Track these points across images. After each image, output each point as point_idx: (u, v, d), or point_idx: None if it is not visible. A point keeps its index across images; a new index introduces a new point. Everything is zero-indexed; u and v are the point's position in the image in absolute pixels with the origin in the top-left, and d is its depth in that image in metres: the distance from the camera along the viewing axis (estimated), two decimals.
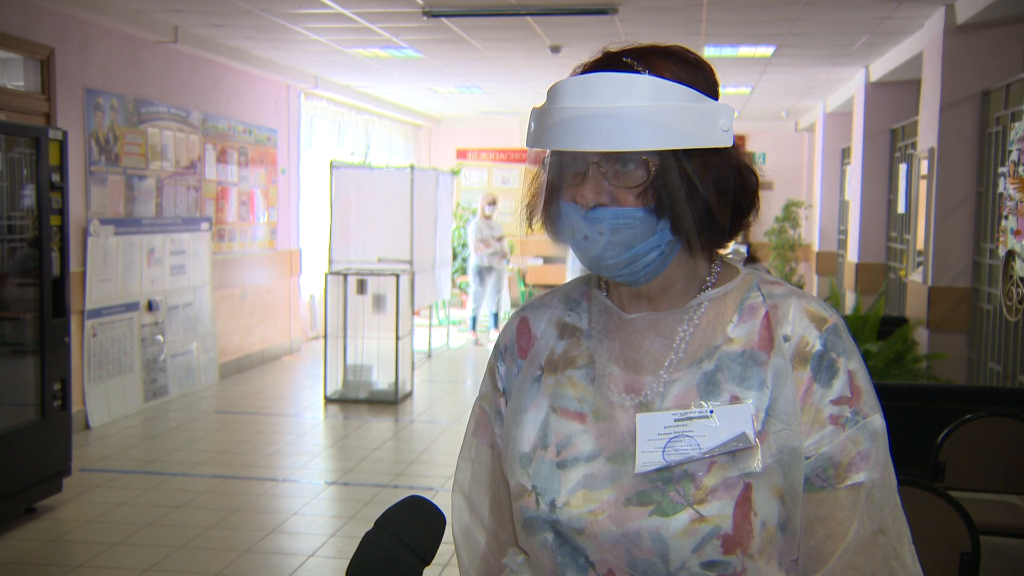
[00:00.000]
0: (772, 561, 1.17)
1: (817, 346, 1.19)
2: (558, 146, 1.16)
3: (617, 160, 1.15)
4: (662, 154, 1.14)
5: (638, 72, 1.15)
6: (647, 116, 1.12)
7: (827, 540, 1.17)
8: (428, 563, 1.23)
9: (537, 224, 1.26)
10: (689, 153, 1.15)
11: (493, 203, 11.61)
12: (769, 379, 1.18)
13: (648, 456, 1.17)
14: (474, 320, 11.53)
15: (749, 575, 1.15)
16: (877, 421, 1.19)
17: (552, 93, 1.18)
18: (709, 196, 1.16)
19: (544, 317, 1.36)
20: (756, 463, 1.15)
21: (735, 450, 1.15)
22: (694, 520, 1.13)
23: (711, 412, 1.17)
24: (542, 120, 1.18)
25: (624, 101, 1.12)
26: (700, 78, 1.19)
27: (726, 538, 1.13)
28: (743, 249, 1.38)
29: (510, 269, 12.73)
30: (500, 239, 11.50)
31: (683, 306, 1.24)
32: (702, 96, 1.16)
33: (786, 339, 1.20)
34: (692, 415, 1.17)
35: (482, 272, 11.48)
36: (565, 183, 1.19)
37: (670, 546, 1.13)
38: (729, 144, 1.17)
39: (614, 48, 1.21)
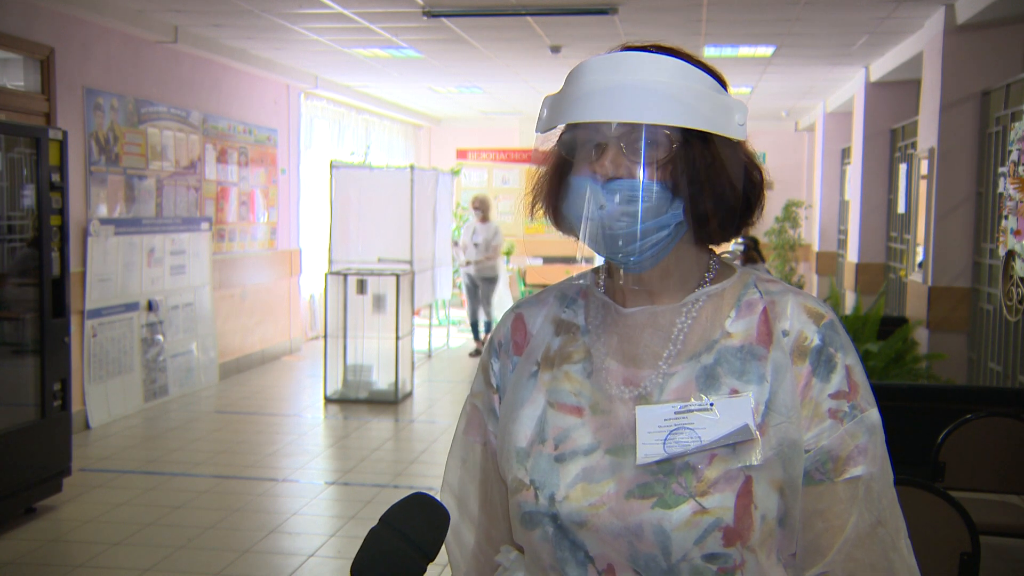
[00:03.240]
0: (771, 555, 1.18)
1: (816, 341, 1.21)
2: (582, 117, 1.16)
3: (638, 135, 1.16)
4: (684, 134, 1.16)
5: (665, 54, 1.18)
6: (675, 93, 1.13)
7: (826, 533, 1.18)
8: (432, 559, 1.24)
9: (539, 213, 1.27)
10: (708, 138, 1.17)
11: (477, 206, 10.45)
12: (768, 373, 1.19)
13: (649, 448, 1.17)
14: (473, 326, 10.81)
15: (748, 567, 1.15)
16: (874, 415, 1.21)
17: (576, 72, 1.18)
18: (723, 184, 1.18)
19: (540, 314, 1.36)
20: (756, 456, 1.15)
21: (736, 442, 1.16)
22: (696, 512, 1.14)
23: (711, 405, 1.18)
24: (559, 101, 1.19)
25: (652, 76, 1.14)
26: (717, 77, 1.23)
27: (727, 530, 1.14)
28: (740, 249, 1.39)
29: (509, 269, 12.49)
30: (487, 246, 10.31)
31: (681, 300, 1.25)
32: (722, 89, 1.20)
33: (785, 334, 1.22)
34: (692, 408, 1.18)
35: (468, 279, 10.59)
36: (581, 157, 1.20)
37: (672, 538, 1.14)
38: (743, 137, 1.20)
39: (635, 43, 1.23)
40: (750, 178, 1.23)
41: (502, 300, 10.73)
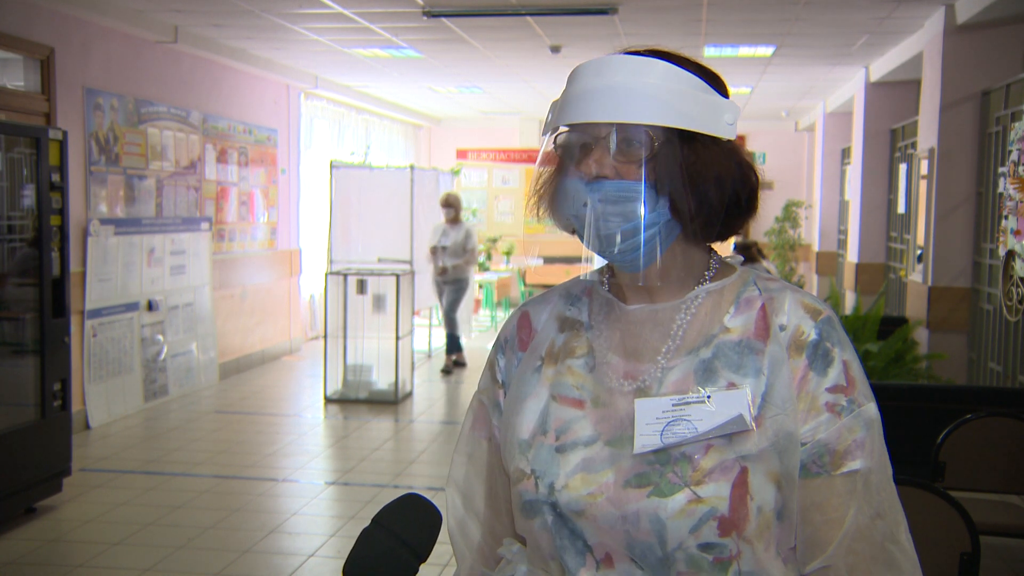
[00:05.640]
0: (770, 548, 1.19)
1: (812, 335, 1.23)
2: (569, 119, 1.21)
3: (623, 135, 1.19)
4: (667, 133, 1.18)
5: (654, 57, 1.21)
6: (657, 94, 1.17)
7: (825, 526, 1.20)
8: (424, 559, 1.24)
9: (544, 212, 1.30)
10: (693, 137, 1.19)
11: (447, 204, 9.14)
12: (765, 366, 1.21)
13: (646, 439, 1.19)
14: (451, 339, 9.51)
15: (744, 558, 1.17)
16: (872, 410, 1.22)
17: (569, 76, 1.23)
18: (708, 182, 1.20)
19: (545, 311, 1.39)
20: (752, 446, 1.17)
21: (731, 432, 1.17)
22: (691, 501, 1.15)
23: (708, 397, 1.20)
24: (558, 105, 1.24)
25: (636, 78, 1.18)
26: (711, 79, 1.25)
27: (722, 520, 1.15)
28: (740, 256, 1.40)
29: (510, 270, 12.39)
30: (460, 250, 9.13)
31: (681, 298, 1.28)
32: (711, 89, 1.22)
33: (782, 328, 1.24)
34: (690, 400, 1.20)
35: (436, 285, 9.35)
36: (572, 159, 1.23)
37: (667, 527, 1.15)
38: (732, 136, 1.21)
39: (634, 48, 1.26)
40: (744, 177, 1.24)
41: (469, 314, 9.64)
